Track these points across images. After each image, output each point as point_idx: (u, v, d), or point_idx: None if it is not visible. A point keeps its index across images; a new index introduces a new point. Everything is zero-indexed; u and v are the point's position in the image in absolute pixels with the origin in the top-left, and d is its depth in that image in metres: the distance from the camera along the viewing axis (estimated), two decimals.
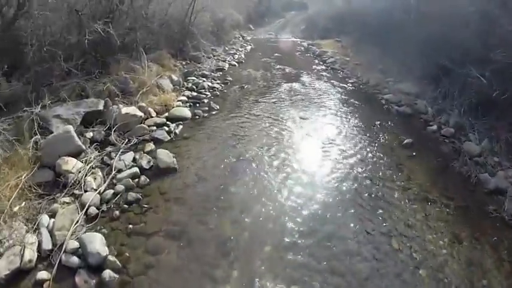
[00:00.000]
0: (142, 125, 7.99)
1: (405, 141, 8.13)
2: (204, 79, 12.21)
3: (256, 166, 6.67)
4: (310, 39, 25.18)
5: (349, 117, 9.76)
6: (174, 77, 11.37)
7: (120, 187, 5.68)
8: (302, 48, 21.00)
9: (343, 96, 11.62)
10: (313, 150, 7.59)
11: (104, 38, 8.93)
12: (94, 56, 9.39)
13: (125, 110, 7.96)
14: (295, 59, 17.24)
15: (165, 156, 6.49)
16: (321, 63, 16.52)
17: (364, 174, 6.69)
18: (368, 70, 14.14)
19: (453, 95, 9.57)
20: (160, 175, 6.20)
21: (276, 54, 18.06)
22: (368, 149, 7.83)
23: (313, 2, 36.18)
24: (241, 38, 24.23)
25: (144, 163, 6.38)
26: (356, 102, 11.05)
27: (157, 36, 13.28)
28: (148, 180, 6.04)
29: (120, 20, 10.65)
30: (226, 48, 18.31)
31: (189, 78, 12.12)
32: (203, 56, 14.79)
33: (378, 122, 9.40)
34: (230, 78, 12.77)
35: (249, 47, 20.55)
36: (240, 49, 18.91)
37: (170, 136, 7.79)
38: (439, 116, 9.58)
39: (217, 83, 12.09)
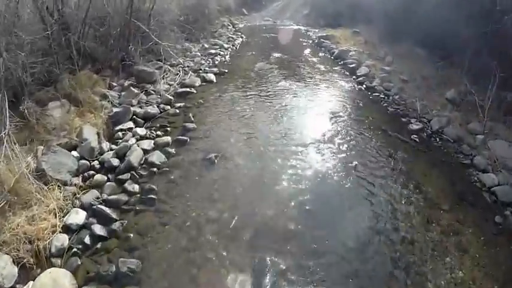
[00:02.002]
0: None
1: None
2: (144, 132, 6.66)
3: None
4: (316, 27, 19.48)
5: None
6: (89, 135, 6.02)
7: None
8: (310, 41, 15.26)
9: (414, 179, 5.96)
10: None
11: None
12: None
13: None
14: (305, 64, 11.56)
15: None
16: (347, 73, 10.68)
17: None
18: (429, 97, 8.67)
19: None
20: None
21: (275, 54, 12.39)
22: None
23: None
24: (230, 27, 18.43)
25: None
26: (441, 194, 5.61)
27: (83, 43, 7.79)
28: None
29: None
30: (206, 46, 12.61)
31: (118, 129, 6.61)
32: (161, 66, 9.17)
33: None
34: (192, 126, 6.91)
35: (239, 41, 14.84)
36: (226, 45, 13.21)
37: None
38: None
39: (165, 142, 6.34)
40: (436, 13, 9.75)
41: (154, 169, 5.50)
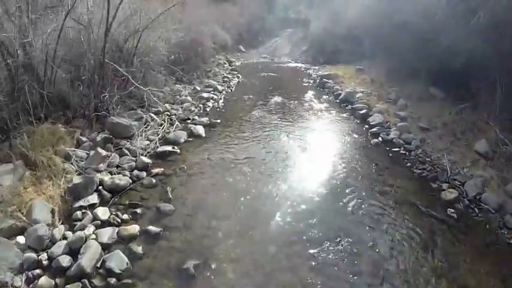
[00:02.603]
0: None
1: None
2: (107, 216, 5.03)
3: None
4: (316, 64, 18.60)
5: None
6: (41, 213, 4.72)
7: None
8: (311, 81, 14.12)
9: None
10: None
11: None
12: None
13: None
14: (309, 111, 10.12)
15: None
16: (358, 121, 9.24)
17: None
18: (456, 150, 7.25)
19: None
20: None
21: (275, 97, 11.10)
22: None
23: (314, 17, 29.27)
24: (226, 65, 17.45)
25: None
26: None
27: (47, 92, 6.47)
28: None
29: None
30: (198, 88, 11.36)
31: (78, 206, 5.10)
32: (142, 117, 7.79)
33: None
34: (169, 208, 5.12)
35: (234, 81, 13.69)
36: (220, 87, 11.98)
37: None
38: None
39: (131, 235, 4.60)
40: (455, 47, 8.48)
41: (113, 280, 3.89)
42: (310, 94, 11.84)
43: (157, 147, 6.79)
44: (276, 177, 6.06)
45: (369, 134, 8.18)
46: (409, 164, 6.84)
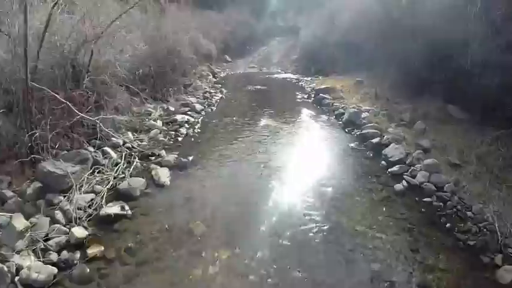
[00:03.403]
0: None
1: None
2: None
3: None
4: (308, 75, 16.90)
5: None
6: None
7: None
8: (305, 96, 12.28)
9: None
10: None
11: None
12: None
13: None
14: (308, 140, 8.10)
15: None
16: (371, 155, 7.12)
17: None
18: (501, 196, 5.40)
19: None
20: None
21: (264, 119, 9.18)
22: None
23: (304, 24, 27.37)
24: (210, 77, 15.58)
25: None
26: None
27: None
28: None
29: None
30: (172, 108, 9.37)
31: None
32: (87, 158, 5.70)
33: None
34: None
35: (217, 97, 11.77)
36: (199, 106, 10.01)
37: None
38: None
39: None
40: (488, 60, 6.67)
41: None
42: (306, 114, 9.96)
43: (102, 206, 4.71)
44: (270, 272, 3.83)
45: (389, 174, 6.21)
46: (448, 225, 4.91)
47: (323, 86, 12.09)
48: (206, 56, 17.61)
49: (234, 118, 9.06)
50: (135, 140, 7.06)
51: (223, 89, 13.01)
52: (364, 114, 8.86)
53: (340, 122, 8.97)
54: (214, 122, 8.85)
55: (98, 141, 6.38)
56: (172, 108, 9.24)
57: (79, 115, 5.92)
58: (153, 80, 9.94)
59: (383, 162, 6.60)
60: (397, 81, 10.21)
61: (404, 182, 5.84)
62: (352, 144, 7.55)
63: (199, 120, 8.86)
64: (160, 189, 5.32)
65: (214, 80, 15.32)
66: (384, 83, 10.99)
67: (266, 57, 23.04)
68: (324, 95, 11.15)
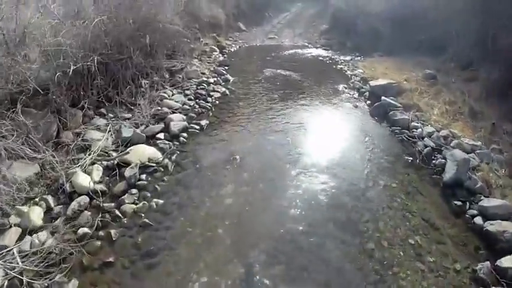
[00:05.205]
0: None
1: None
2: None
3: None
4: (344, 53, 12.53)
5: None
6: None
7: None
8: (355, 95, 7.86)
9: None
10: None
11: None
12: None
13: None
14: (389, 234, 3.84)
15: None
16: None
17: None
18: None
19: None
20: None
21: (292, 166, 4.97)
22: None
23: None
24: (216, 53, 11.21)
25: None
26: None
27: None
28: None
29: None
30: (129, 131, 5.16)
31: None
32: None
33: None
34: None
35: (218, 93, 7.54)
36: (178, 124, 5.75)
37: None
38: None
39: None
40: None
41: None
42: (367, 146, 5.48)
43: None
44: None
45: None
46: None
47: (381, 81, 7.52)
48: (212, 25, 13.07)
49: (236, 157, 4.78)
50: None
51: (229, 76, 8.71)
52: (471, 161, 4.44)
53: (436, 175, 4.56)
54: (197, 170, 4.54)
55: None
56: (129, 131, 5.03)
57: None
58: (104, 75, 5.66)
59: None
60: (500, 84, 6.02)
61: None
62: (479, 253, 3.25)
63: (170, 165, 4.58)
64: None
65: (222, 58, 10.90)
66: (472, 85, 6.59)
67: (289, 26, 18.12)
68: (388, 99, 6.66)
